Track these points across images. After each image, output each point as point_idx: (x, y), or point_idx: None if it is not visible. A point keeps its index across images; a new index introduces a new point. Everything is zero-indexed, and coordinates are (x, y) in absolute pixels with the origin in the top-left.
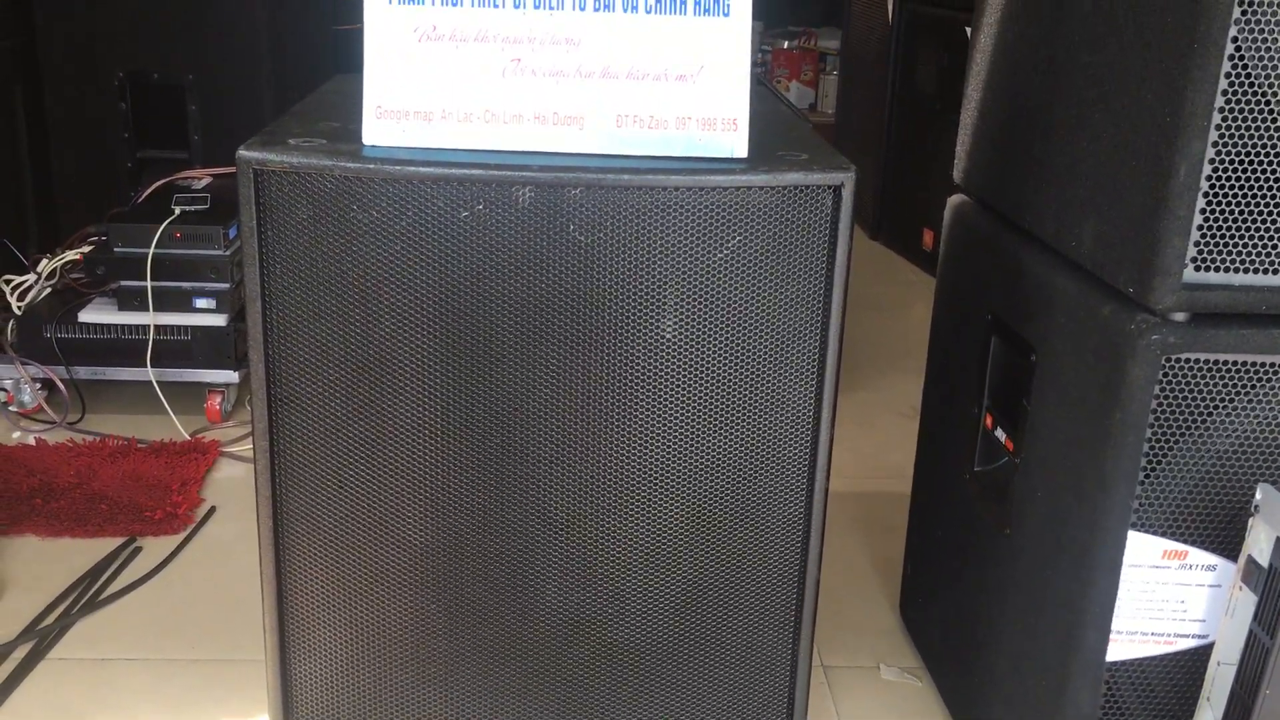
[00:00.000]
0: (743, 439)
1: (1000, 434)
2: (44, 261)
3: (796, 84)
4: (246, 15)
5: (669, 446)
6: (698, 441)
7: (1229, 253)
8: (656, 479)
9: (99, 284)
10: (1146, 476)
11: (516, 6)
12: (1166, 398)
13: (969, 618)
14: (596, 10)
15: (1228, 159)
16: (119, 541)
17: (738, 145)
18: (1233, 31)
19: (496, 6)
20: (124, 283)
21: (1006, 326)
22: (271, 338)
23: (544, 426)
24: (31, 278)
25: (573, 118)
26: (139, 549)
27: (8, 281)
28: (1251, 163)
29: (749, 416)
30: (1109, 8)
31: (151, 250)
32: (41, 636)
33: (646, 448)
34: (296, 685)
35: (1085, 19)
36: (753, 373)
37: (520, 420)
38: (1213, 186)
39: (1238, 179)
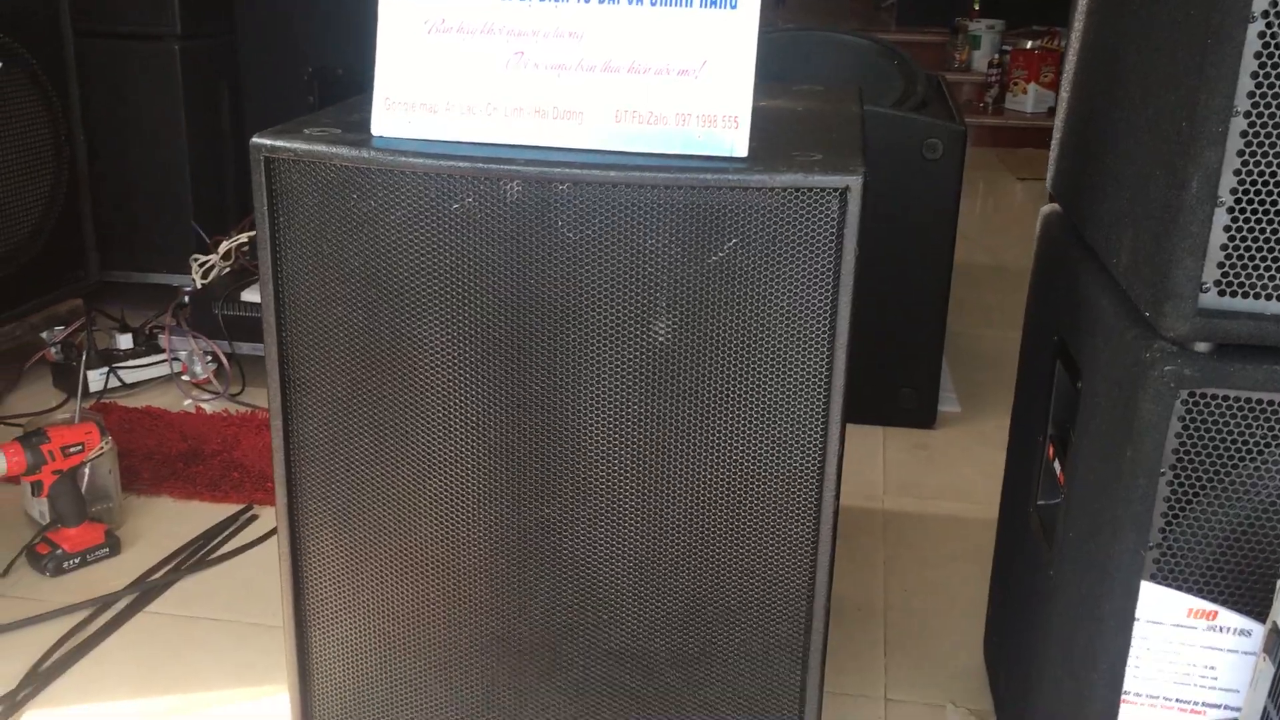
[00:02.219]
0: (741, 450)
1: (1057, 466)
2: (223, 243)
3: (1035, 86)
4: None
5: (662, 452)
6: (693, 450)
7: (1258, 277)
8: (650, 484)
9: None
10: (1169, 524)
11: None
12: (1191, 437)
13: (1021, 662)
14: (601, 2)
15: (1257, 171)
16: (239, 507)
17: (738, 143)
18: (1259, 26)
19: None
20: None
21: (1067, 349)
22: (284, 321)
23: (535, 426)
24: (214, 258)
25: (572, 112)
26: (255, 516)
27: (195, 260)
28: None
29: (747, 427)
30: (1152, 0)
31: None
32: (146, 590)
33: (639, 452)
34: (314, 657)
35: (1136, 13)
36: (752, 382)
37: (512, 419)
38: (1239, 202)
39: (1271, 194)
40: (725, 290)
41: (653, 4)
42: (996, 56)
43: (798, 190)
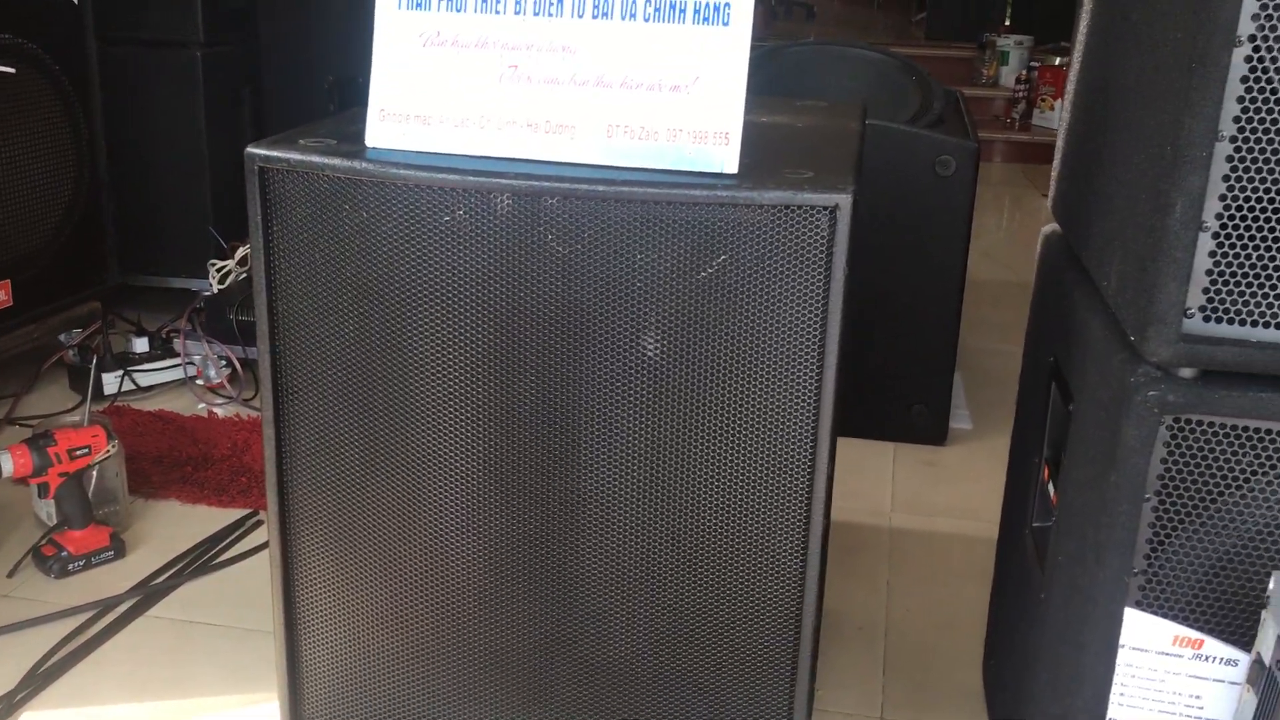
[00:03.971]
0: (729, 467)
1: (1051, 489)
2: (240, 249)
3: (1061, 103)
4: None
5: (653, 468)
6: (681, 466)
7: (1244, 303)
8: (640, 500)
9: None
10: (1154, 550)
11: (518, 13)
12: (1176, 463)
13: (1013, 685)
14: (595, 17)
15: (1243, 196)
16: (245, 512)
17: (728, 159)
18: (1245, 50)
19: (498, 13)
20: None
21: (1059, 371)
22: (278, 330)
23: (525, 438)
24: (231, 263)
25: (564, 126)
26: (260, 522)
27: (213, 265)
28: (1273, 201)
29: (736, 444)
30: (1142, 22)
31: None
32: (148, 594)
33: (629, 468)
34: (304, 666)
35: (1128, 35)
36: (741, 399)
37: (502, 431)
38: (1224, 227)
39: (1256, 220)
40: (714, 306)
41: (646, 19)
42: (1024, 72)
43: (786, 208)
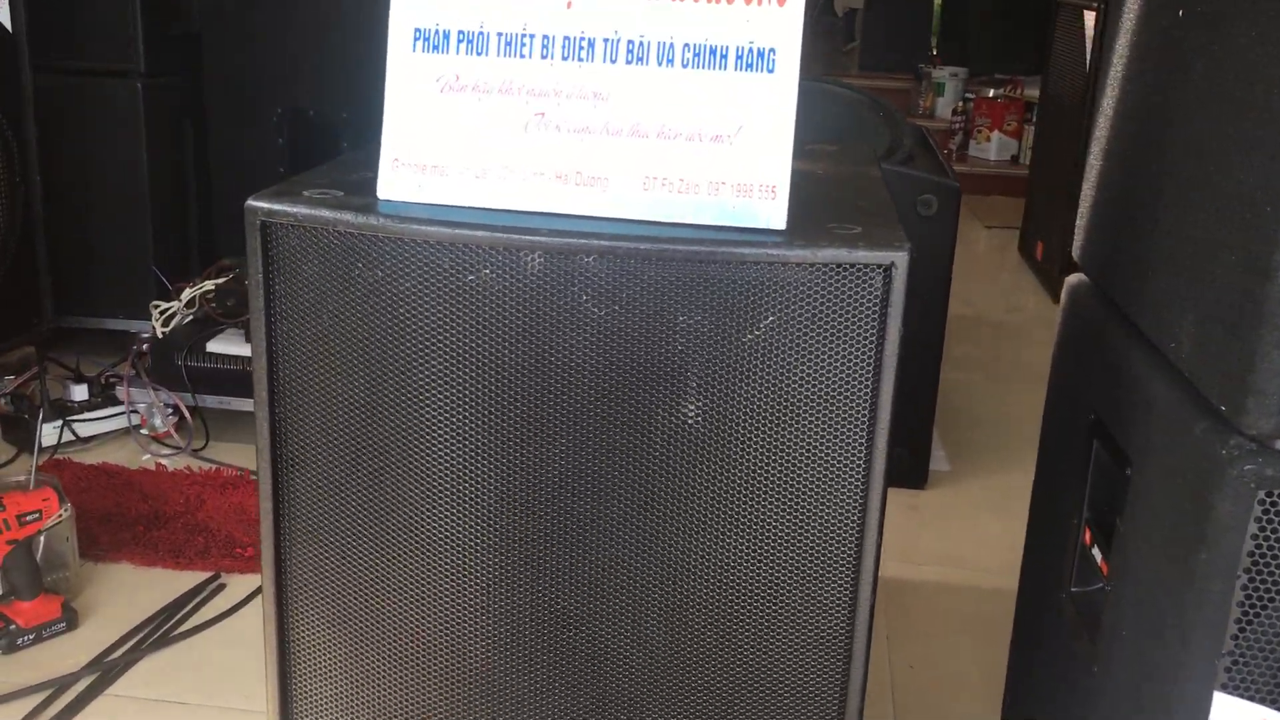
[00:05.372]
0: (773, 542)
1: (1096, 553)
2: (186, 290)
3: (999, 134)
4: None
5: (690, 543)
6: (723, 540)
7: None
8: (675, 578)
9: (231, 315)
10: (1242, 630)
11: (545, 57)
12: (1268, 539)
13: None
14: (629, 63)
15: None
16: (206, 575)
17: (775, 215)
18: None
19: (524, 57)
20: None
21: (1107, 431)
22: (278, 396)
23: (553, 512)
24: (177, 305)
25: (596, 178)
26: (223, 585)
27: (156, 307)
28: None
29: (780, 517)
30: (1217, 65)
31: None
32: (105, 670)
33: (665, 543)
34: None
35: (1198, 79)
36: (787, 468)
37: (527, 507)
38: None
39: None
40: (759, 371)
41: (684, 65)
42: (960, 104)
43: (839, 266)
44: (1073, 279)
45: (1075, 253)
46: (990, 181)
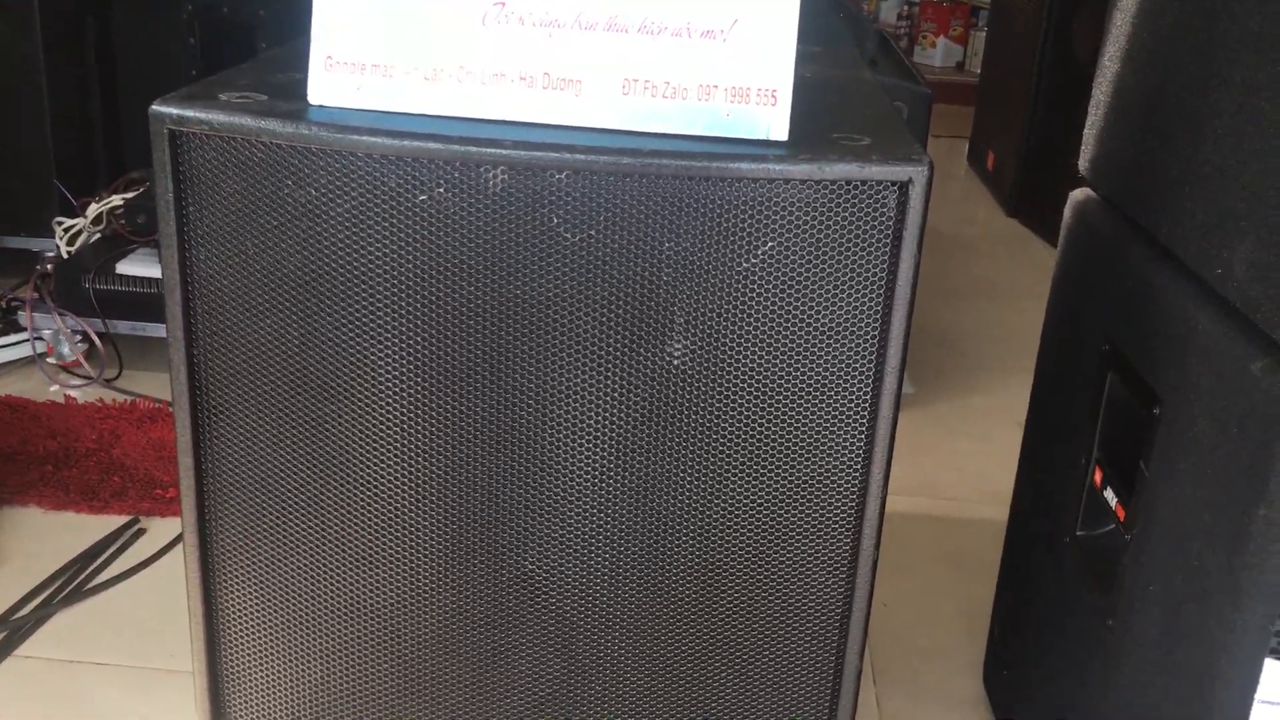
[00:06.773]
0: (765, 495)
1: (1110, 496)
2: (92, 205)
3: (944, 40)
4: None
5: (674, 496)
6: (709, 493)
7: None
8: (657, 533)
9: (142, 233)
10: None
11: None
12: None
13: (1061, 711)
14: None
15: None
16: (124, 520)
17: (776, 124)
18: None
19: None
20: None
21: (1128, 363)
22: (196, 337)
23: (519, 465)
24: (82, 222)
25: (568, 80)
26: (142, 530)
27: (59, 224)
28: None
29: (775, 466)
30: None
31: None
32: (13, 629)
33: (645, 496)
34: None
35: None
36: (784, 413)
37: (487, 458)
38: None
39: None
40: (755, 304)
41: None
42: (905, 8)
43: (848, 184)
44: (1078, 194)
45: (1083, 165)
46: (938, 89)
